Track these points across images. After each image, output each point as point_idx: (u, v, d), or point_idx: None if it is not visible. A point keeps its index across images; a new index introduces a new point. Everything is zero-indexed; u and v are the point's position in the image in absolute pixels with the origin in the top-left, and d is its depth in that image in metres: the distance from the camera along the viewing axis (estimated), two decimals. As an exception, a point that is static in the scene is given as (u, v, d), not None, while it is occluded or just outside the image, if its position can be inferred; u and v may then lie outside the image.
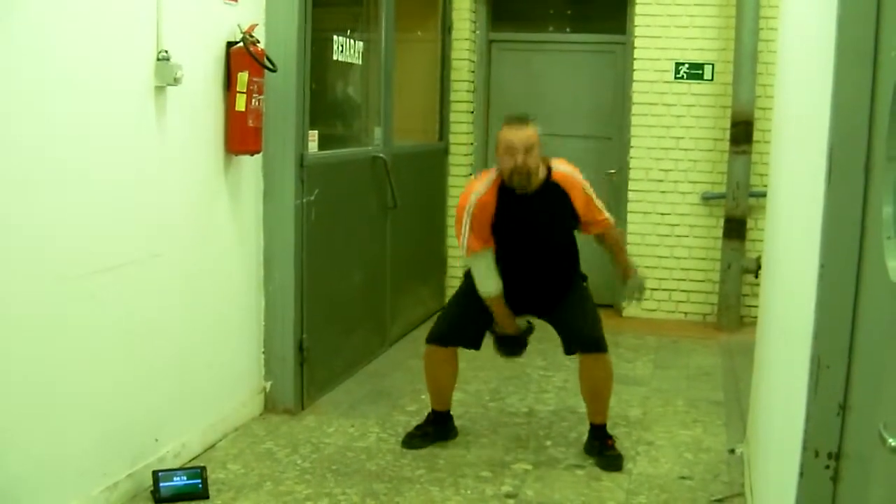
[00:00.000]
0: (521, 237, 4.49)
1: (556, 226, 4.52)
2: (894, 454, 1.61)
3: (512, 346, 4.76)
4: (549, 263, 4.58)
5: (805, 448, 2.11)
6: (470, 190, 4.52)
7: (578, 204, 4.48)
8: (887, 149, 1.86)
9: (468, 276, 4.64)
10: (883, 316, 1.95)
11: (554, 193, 4.45)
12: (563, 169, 4.53)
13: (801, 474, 2.12)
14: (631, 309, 7.61)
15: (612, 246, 4.77)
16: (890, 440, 1.63)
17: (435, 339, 4.72)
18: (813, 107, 2.43)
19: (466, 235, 4.43)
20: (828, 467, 2.08)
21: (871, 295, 2.01)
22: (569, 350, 4.62)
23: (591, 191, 4.57)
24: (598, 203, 4.60)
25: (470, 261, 4.55)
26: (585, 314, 4.60)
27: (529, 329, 4.75)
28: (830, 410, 2.07)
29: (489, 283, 4.50)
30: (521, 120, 4.39)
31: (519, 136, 4.31)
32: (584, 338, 4.55)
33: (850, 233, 2.03)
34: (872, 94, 2.00)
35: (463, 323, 4.69)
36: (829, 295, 2.07)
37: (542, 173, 4.42)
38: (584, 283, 4.70)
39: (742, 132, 7.15)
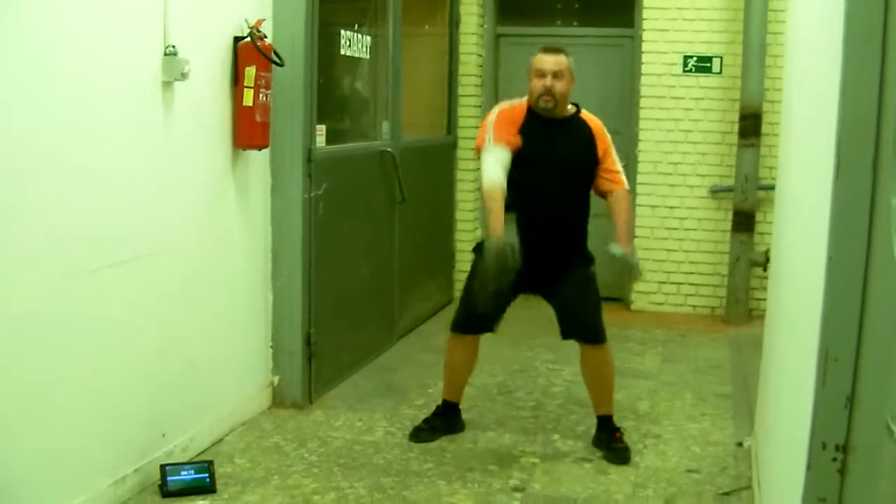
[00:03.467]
0: (542, 163, 4.43)
1: (576, 158, 4.50)
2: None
3: (496, 270, 4.20)
4: (565, 204, 4.51)
5: (813, 440, 2.11)
6: (499, 107, 4.56)
7: (600, 146, 4.51)
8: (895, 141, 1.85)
9: (475, 262, 4.50)
10: (891, 308, 1.94)
11: (579, 127, 4.50)
12: (591, 115, 4.59)
13: (809, 466, 2.12)
14: (639, 302, 7.61)
15: (619, 211, 4.55)
16: (898, 432, 1.62)
17: (460, 327, 4.70)
18: (821, 99, 2.42)
19: (490, 132, 4.39)
20: (835, 459, 2.08)
21: (880, 287, 2.00)
22: (565, 334, 4.59)
23: (612, 145, 4.58)
24: (616, 158, 4.60)
25: (485, 153, 4.40)
26: (587, 300, 4.56)
27: (514, 250, 4.19)
28: (838, 403, 2.07)
29: (495, 175, 4.32)
30: (555, 48, 4.48)
31: (550, 59, 4.41)
32: (581, 326, 4.54)
33: (858, 225, 2.03)
34: (881, 86, 1.99)
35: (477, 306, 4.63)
36: (838, 287, 2.06)
37: (570, 108, 4.49)
38: (592, 268, 4.61)
39: (751, 125, 7.14)
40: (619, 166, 4.61)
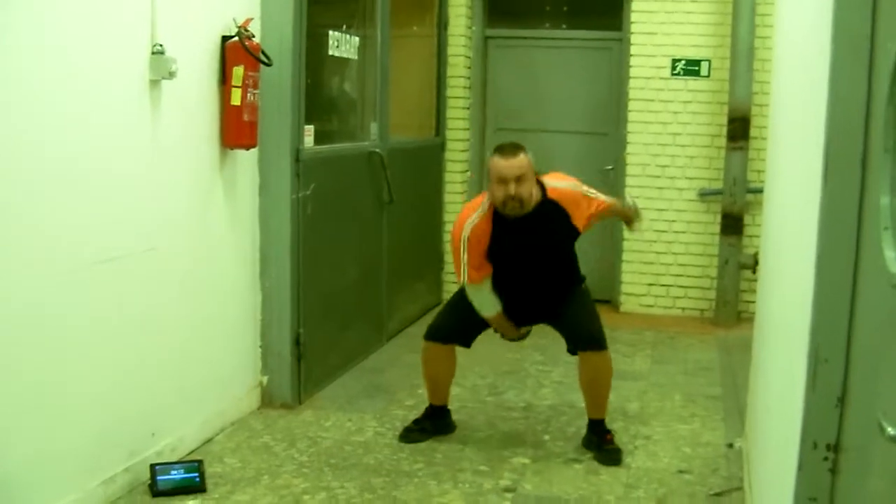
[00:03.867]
0: (520, 260, 4.49)
1: (554, 244, 4.53)
2: (893, 443, 1.61)
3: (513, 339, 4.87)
4: (549, 278, 4.59)
5: (804, 440, 2.11)
6: (463, 219, 4.48)
7: (578, 217, 4.47)
8: (884, 140, 1.85)
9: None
10: (881, 308, 1.95)
11: (551, 212, 4.43)
12: (558, 185, 4.49)
13: (800, 467, 2.12)
14: (628, 304, 7.63)
15: (614, 216, 5.00)
16: (889, 429, 1.63)
17: (432, 335, 4.73)
18: (810, 99, 2.42)
19: (465, 265, 4.43)
20: (826, 459, 2.08)
21: (869, 287, 2.00)
22: (573, 349, 4.61)
23: (588, 190, 4.58)
24: (595, 197, 4.61)
25: (469, 290, 4.56)
26: (586, 313, 4.61)
27: (529, 331, 4.85)
28: (829, 403, 2.07)
29: (489, 307, 4.57)
30: (512, 148, 4.35)
31: (510, 164, 4.28)
32: (584, 335, 4.55)
33: (847, 225, 2.03)
34: (869, 85, 1.99)
35: (460, 323, 4.70)
36: (827, 288, 2.07)
37: (536, 196, 4.39)
38: (583, 284, 4.70)
39: (739, 128, 7.15)
40: (601, 199, 4.63)
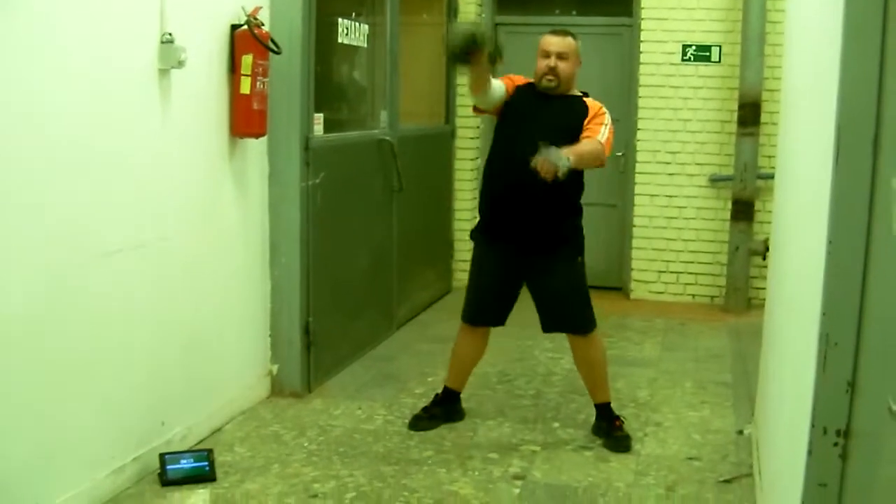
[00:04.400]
0: (523, 129, 4.39)
1: (558, 126, 4.37)
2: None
3: (463, 41, 4.18)
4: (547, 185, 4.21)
5: (813, 425, 2.10)
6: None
7: (588, 118, 4.44)
8: (896, 123, 1.85)
9: (475, 256, 4.66)
10: (892, 292, 1.94)
11: (575, 105, 4.49)
12: (596, 102, 4.56)
13: (810, 452, 2.12)
14: (638, 291, 7.61)
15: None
16: (899, 414, 1.62)
17: (470, 318, 4.72)
18: (821, 82, 2.41)
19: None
20: (836, 444, 2.07)
21: (880, 271, 2.00)
22: (544, 328, 4.61)
23: (606, 123, 4.43)
24: (604, 130, 4.40)
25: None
26: (569, 293, 4.52)
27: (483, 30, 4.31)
28: (839, 388, 2.06)
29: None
30: (563, 30, 4.53)
31: (556, 40, 4.46)
32: (561, 318, 4.55)
33: (858, 208, 2.02)
34: (881, 69, 1.98)
35: (491, 300, 4.65)
36: (838, 271, 2.06)
37: (573, 89, 4.53)
38: (579, 258, 4.54)
39: (749, 114, 7.13)
40: (602, 133, 4.39)
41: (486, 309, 4.67)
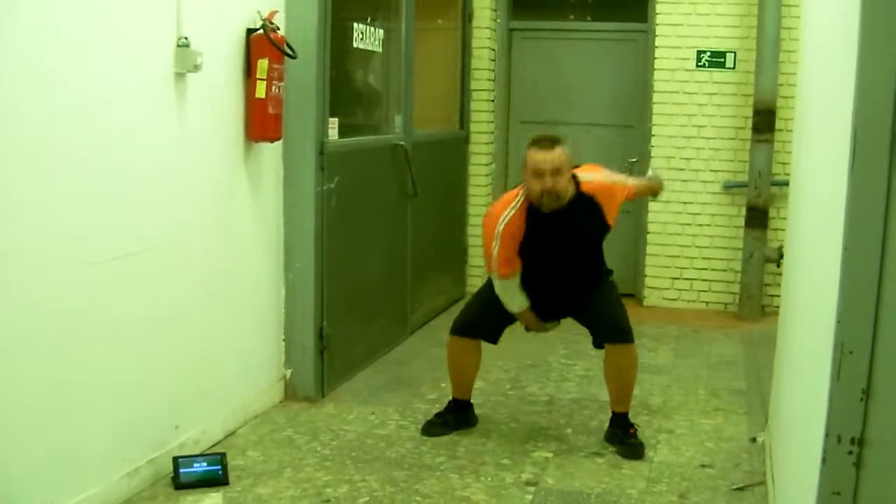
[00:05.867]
0: (552, 255, 4.46)
1: (587, 239, 4.51)
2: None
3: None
4: (579, 273, 4.57)
5: (828, 434, 2.09)
6: (497, 213, 4.43)
7: (610, 210, 4.45)
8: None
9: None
10: (908, 299, 1.93)
11: (585, 206, 4.40)
12: (591, 178, 4.46)
13: (824, 460, 2.10)
14: (652, 298, 7.60)
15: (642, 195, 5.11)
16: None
17: (458, 329, 4.72)
18: (837, 88, 2.40)
19: (496, 258, 4.39)
20: (851, 453, 2.06)
21: (896, 278, 1.98)
22: (598, 342, 4.62)
23: (617, 179, 4.58)
24: (624, 183, 4.62)
25: (498, 285, 4.52)
26: (612, 306, 4.60)
27: (556, 324, 4.85)
28: (854, 396, 2.05)
29: (516, 302, 4.55)
30: (549, 140, 4.31)
31: (547, 158, 4.23)
32: (610, 328, 4.55)
33: (873, 215, 2.00)
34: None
35: (485, 318, 4.69)
36: (853, 279, 2.04)
37: (570, 190, 4.35)
38: (610, 277, 4.69)
39: (764, 121, 7.11)
40: (627, 184, 4.66)
41: (485, 327, 4.71)
